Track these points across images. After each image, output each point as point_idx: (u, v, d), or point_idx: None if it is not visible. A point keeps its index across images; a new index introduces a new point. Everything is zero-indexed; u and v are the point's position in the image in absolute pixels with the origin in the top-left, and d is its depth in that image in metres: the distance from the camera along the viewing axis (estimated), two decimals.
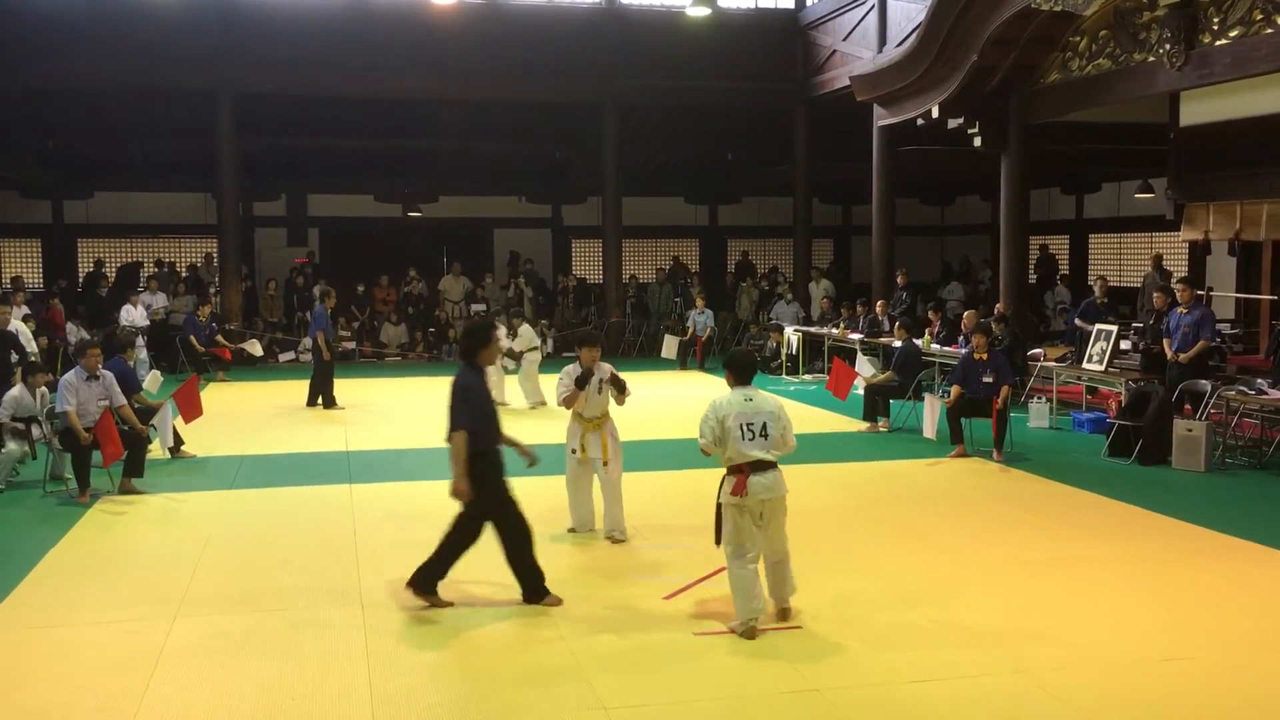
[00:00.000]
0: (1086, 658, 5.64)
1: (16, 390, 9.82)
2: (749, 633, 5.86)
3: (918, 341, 13.85)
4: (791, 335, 18.12)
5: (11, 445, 9.66)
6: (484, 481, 6.27)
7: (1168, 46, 11.17)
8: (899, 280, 17.75)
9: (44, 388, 10.06)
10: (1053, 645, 5.79)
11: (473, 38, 18.82)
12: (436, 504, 8.96)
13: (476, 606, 6.43)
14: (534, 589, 6.45)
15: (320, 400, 14.21)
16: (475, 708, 5.02)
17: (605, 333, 20.68)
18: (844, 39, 18.52)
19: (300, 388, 14.76)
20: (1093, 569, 7.18)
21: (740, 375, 6.17)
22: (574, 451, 7.85)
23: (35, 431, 9.85)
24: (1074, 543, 7.85)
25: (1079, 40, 12.79)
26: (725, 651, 5.72)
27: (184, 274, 21.47)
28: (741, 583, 5.94)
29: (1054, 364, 13.43)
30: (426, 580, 6.37)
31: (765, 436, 5.99)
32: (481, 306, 21.34)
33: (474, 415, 6.25)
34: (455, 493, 6.23)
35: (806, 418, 13.64)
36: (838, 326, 17.52)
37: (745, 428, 5.95)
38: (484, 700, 5.10)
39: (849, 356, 15.23)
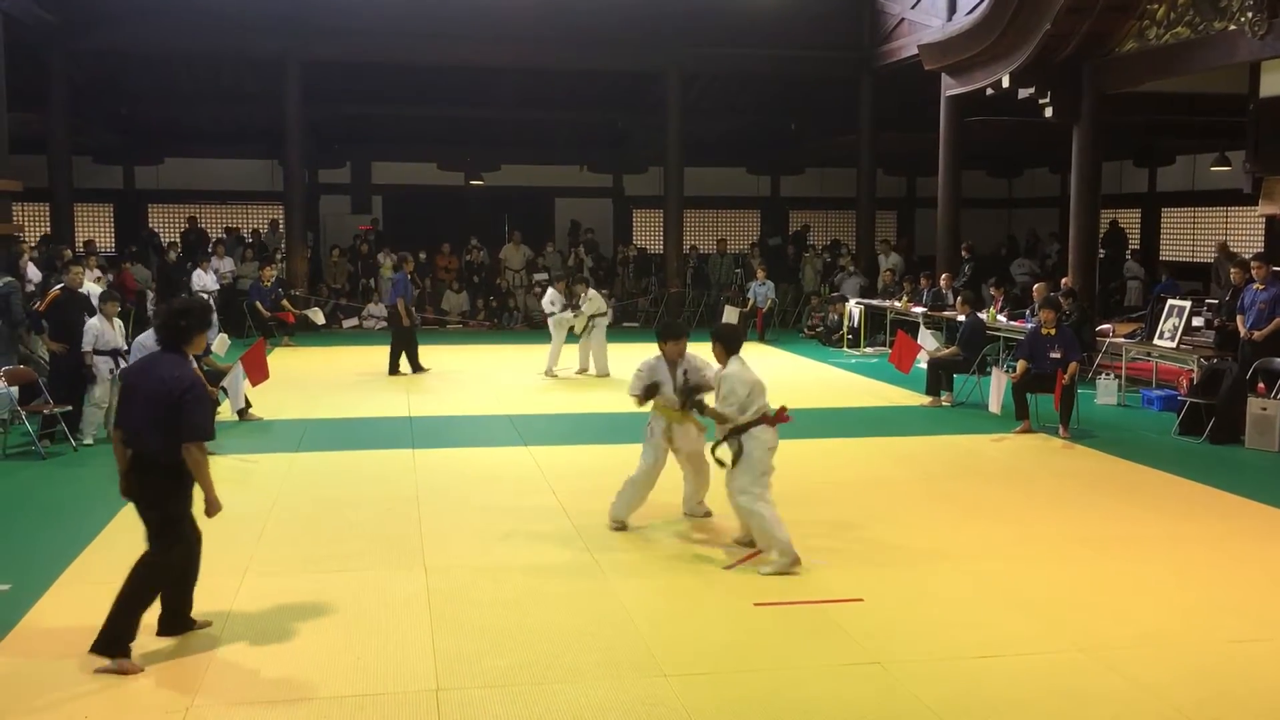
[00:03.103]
0: (1154, 637, 5.55)
1: (95, 320, 10.04)
2: (795, 561, 6.40)
3: (982, 315, 13.66)
4: (854, 308, 17.97)
5: (98, 391, 9.89)
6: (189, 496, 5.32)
7: (1250, 15, 10.84)
8: (964, 253, 17.52)
9: (119, 319, 10.32)
10: (1119, 623, 5.71)
11: (536, 6, 18.78)
12: (498, 468, 9.08)
13: (537, 571, 6.47)
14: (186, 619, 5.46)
15: (410, 367, 14.36)
16: (536, 671, 5.06)
17: (665, 303, 20.68)
18: (912, 7, 18.20)
19: (364, 353, 14.97)
20: (1161, 548, 7.06)
21: (734, 348, 6.78)
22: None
23: (121, 363, 10.01)
24: (1141, 521, 7.71)
25: (1157, 8, 12.45)
26: (785, 622, 5.71)
27: (249, 240, 21.79)
28: (777, 521, 6.46)
29: (1123, 340, 13.17)
30: (121, 643, 5.11)
31: (764, 392, 6.74)
32: (543, 275, 21.42)
33: (210, 418, 5.32)
34: (212, 510, 5.27)
35: (868, 391, 13.56)
36: (901, 299, 17.34)
37: (757, 386, 6.69)
38: (544, 664, 5.14)
39: (911, 329, 15.07)
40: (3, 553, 6.82)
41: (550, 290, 14.71)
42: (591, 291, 14.66)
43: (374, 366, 15.07)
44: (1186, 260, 21.66)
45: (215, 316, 16.32)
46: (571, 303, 14.42)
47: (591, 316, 14.37)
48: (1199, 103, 15.24)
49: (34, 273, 13.52)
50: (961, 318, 13.12)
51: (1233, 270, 12.06)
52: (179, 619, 5.45)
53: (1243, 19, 10.99)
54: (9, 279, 10.96)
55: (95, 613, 5.70)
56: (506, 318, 20.89)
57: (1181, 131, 19.31)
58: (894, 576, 6.43)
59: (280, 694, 4.90)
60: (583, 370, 14.43)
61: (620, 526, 7.30)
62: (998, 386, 11.17)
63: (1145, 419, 11.65)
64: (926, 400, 12.41)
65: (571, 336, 14.55)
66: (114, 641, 5.07)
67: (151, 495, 5.21)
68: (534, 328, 20.29)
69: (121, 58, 19.10)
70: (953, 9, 16.70)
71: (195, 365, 5.32)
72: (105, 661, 5.03)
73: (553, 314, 14.44)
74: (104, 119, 20.82)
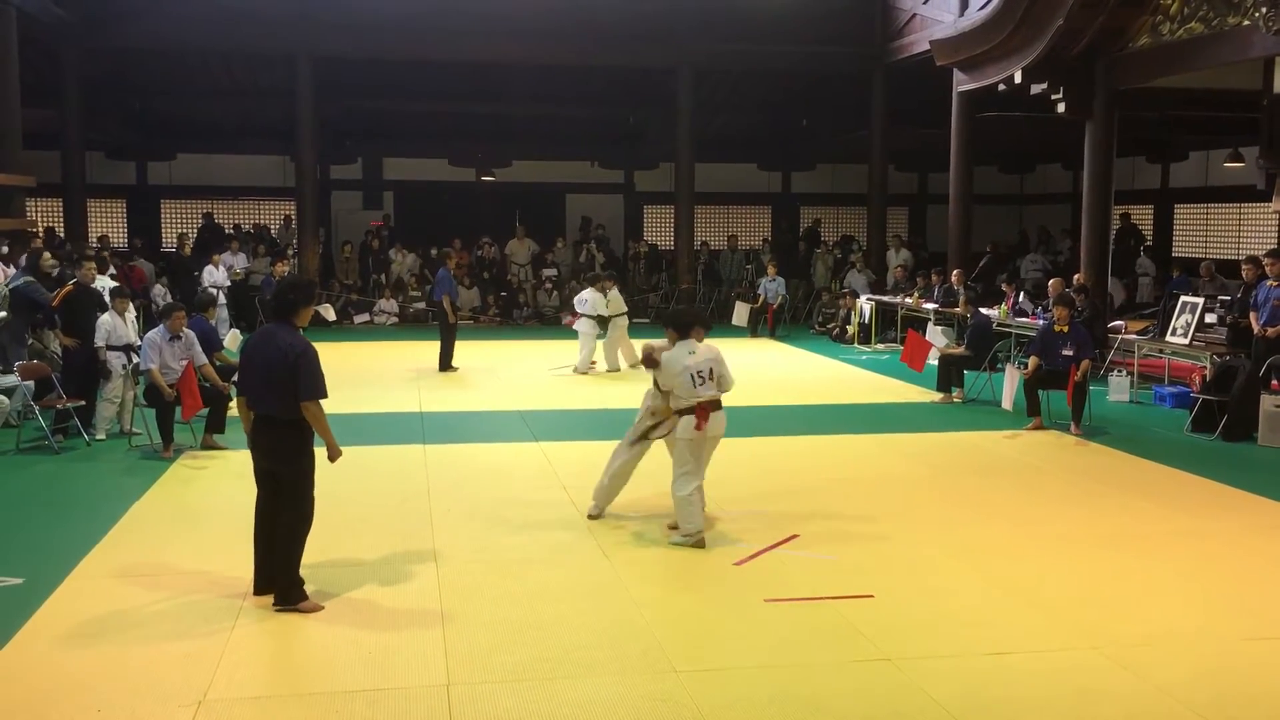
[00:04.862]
0: (1166, 634, 5.53)
1: (108, 317, 10.09)
2: (700, 542, 6.79)
3: (991, 312, 13.63)
4: (864, 304, 17.95)
5: (111, 386, 9.93)
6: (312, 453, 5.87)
7: (1263, 10, 10.77)
8: (989, 249, 17.57)
9: (131, 313, 10.41)
10: (1132, 621, 5.69)
11: (548, 1, 18.77)
12: (510, 464, 9.10)
13: (548, 567, 6.49)
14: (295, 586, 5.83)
15: (440, 364, 14.35)
16: (547, 666, 5.07)
17: (676, 300, 20.67)
18: (924, 2, 18.16)
19: (375, 349, 14.98)
20: (1173, 545, 7.04)
21: (683, 332, 7.02)
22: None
23: (134, 358, 10.07)
24: (1154, 518, 7.69)
25: (1170, 3, 12.39)
26: (795, 619, 5.71)
27: (251, 231, 21.88)
28: (692, 504, 6.85)
29: (1135, 337, 13.13)
30: (296, 589, 5.80)
31: (713, 379, 6.92)
32: (553, 271, 21.43)
33: (323, 378, 5.77)
34: (334, 456, 5.91)
35: (879, 387, 13.54)
36: (912, 296, 17.31)
37: (695, 376, 6.82)
38: (555, 659, 5.15)
39: (921, 326, 15.04)
40: (16, 547, 6.85)
41: (587, 290, 14.66)
42: (614, 291, 14.63)
43: (385, 362, 15.11)
44: (1199, 256, 21.55)
45: (226, 312, 16.51)
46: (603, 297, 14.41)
47: (612, 316, 14.37)
48: (1212, 98, 15.17)
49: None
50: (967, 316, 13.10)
51: (1245, 267, 12.01)
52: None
53: (1256, 14, 10.93)
54: (29, 278, 11.00)
55: (109, 606, 5.75)
56: (516, 313, 20.90)
57: (1195, 127, 19.21)
58: (905, 573, 6.43)
59: (292, 687, 4.92)
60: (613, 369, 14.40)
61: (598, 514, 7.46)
62: (1010, 383, 11.15)
63: (1157, 416, 11.61)
64: (938, 396, 12.39)
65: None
66: (289, 591, 5.75)
67: (279, 450, 5.79)
68: (545, 323, 20.32)
69: (135, 54, 19.15)
70: (965, 4, 16.65)
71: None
72: (291, 608, 5.70)
73: (584, 315, 14.38)
74: (117, 115, 20.89)
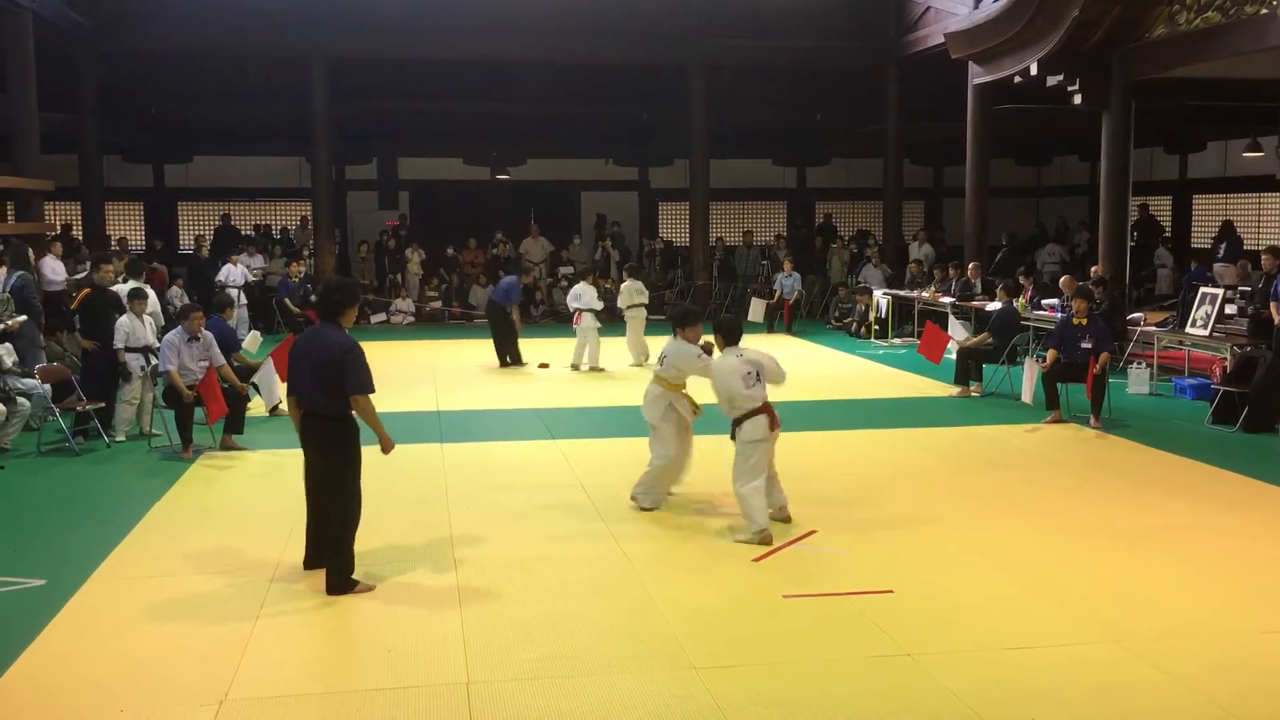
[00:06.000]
0: (1187, 628, 5.50)
1: (126, 319, 10.13)
2: (767, 539, 6.76)
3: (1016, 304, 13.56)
4: (881, 299, 17.89)
5: (133, 385, 9.98)
6: (357, 448, 6.09)
7: None
8: (1005, 242, 17.53)
9: (149, 316, 10.45)
10: (1153, 615, 5.66)
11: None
12: (527, 462, 9.11)
13: (566, 564, 6.49)
14: (346, 575, 6.05)
15: (509, 359, 14.54)
16: (566, 664, 5.08)
17: (691, 296, 20.66)
18: None
19: (392, 349, 15.00)
20: (1193, 537, 7.00)
21: (730, 338, 7.17)
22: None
23: (152, 360, 10.11)
24: (1174, 511, 7.65)
25: None
26: (814, 615, 5.70)
27: (277, 236, 21.98)
28: (756, 502, 6.87)
29: (1154, 328, 13.05)
30: (346, 579, 6.01)
31: (760, 380, 7.02)
32: (569, 269, 21.43)
33: (370, 373, 6.05)
34: (387, 449, 6.21)
35: (896, 382, 13.49)
36: (929, 290, 17.25)
37: (745, 377, 6.95)
38: (574, 656, 5.15)
39: (940, 320, 14.98)
40: (38, 548, 6.90)
41: (581, 284, 14.65)
42: (627, 283, 14.59)
43: (402, 362, 15.14)
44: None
45: (246, 313, 16.57)
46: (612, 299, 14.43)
47: (629, 307, 14.35)
48: (1230, 88, 15.05)
49: (56, 271, 13.60)
50: (995, 305, 13.02)
51: (1265, 257, 11.92)
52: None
53: (1274, 2, 10.84)
54: (22, 273, 11.04)
55: (130, 606, 5.78)
56: (532, 310, 20.91)
57: (1213, 117, 19.07)
58: (923, 568, 6.41)
59: (313, 686, 4.94)
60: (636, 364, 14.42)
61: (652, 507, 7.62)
62: (1030, 376, 11.09)
63: (1178, 408, 11.54)
64: (955, 390, 12.34)
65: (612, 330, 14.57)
66: (343, 580, 5.96)
67: (323, 445, 6.02)
68: (561, 321, 20.32)
69: (150, 58, 19.26)
70: None
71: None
72: (344, 593, 5.91)
73: (577, 309, 14.40)
74: (134, 118, 21.01)
